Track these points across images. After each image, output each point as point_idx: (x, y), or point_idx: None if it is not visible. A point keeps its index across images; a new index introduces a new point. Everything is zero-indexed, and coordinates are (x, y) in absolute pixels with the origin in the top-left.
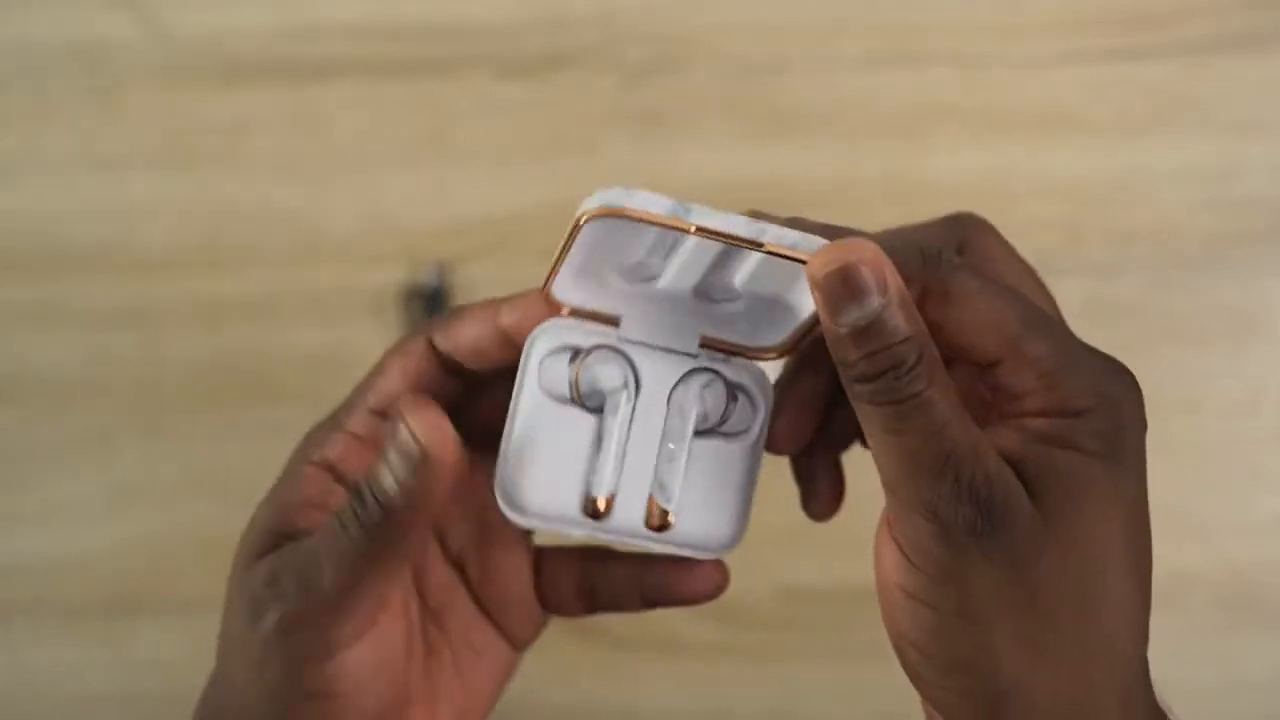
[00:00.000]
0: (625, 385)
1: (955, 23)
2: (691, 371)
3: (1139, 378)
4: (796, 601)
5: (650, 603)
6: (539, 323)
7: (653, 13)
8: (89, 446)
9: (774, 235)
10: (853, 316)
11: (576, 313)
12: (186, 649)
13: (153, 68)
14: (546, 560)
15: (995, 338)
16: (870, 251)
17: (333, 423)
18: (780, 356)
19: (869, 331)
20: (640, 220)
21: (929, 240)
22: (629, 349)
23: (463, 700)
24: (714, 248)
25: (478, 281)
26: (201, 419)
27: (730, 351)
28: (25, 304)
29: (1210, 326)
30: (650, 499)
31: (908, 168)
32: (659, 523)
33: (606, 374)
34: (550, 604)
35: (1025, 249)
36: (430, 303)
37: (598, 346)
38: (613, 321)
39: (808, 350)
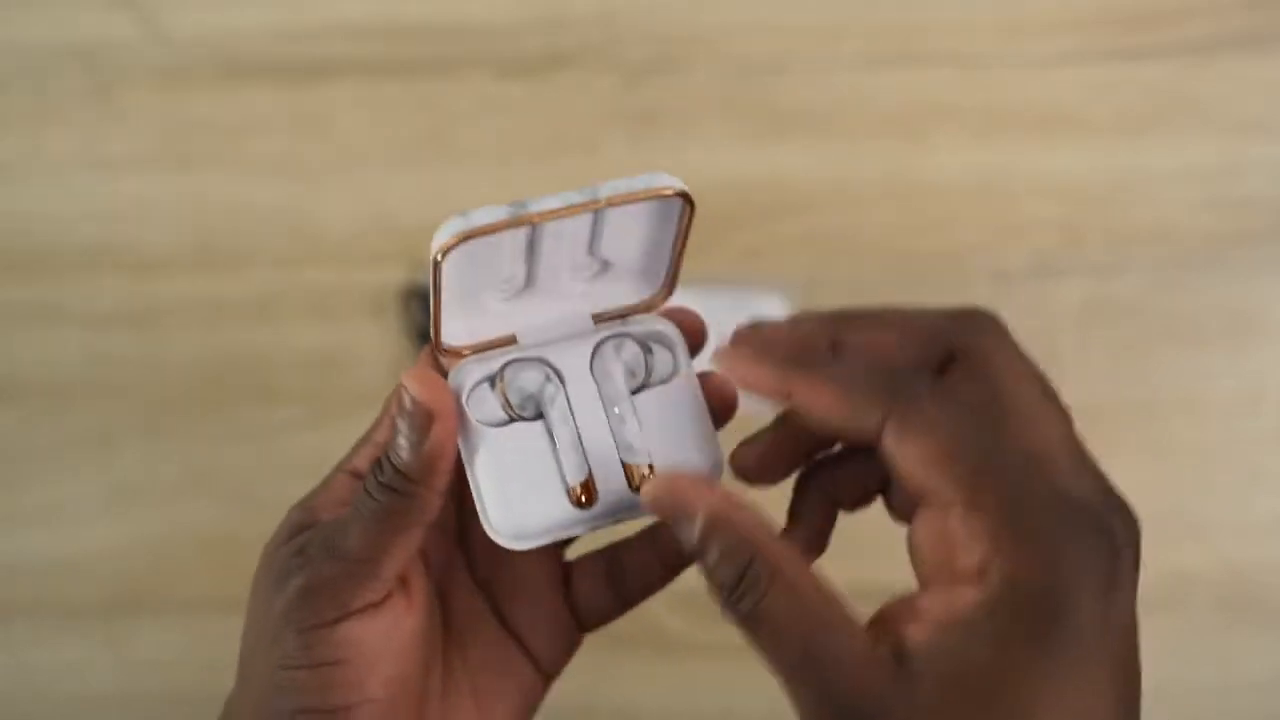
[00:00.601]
0: (549, 379)
1: (955, 23)
2: (600, 344)
3: (1138, 378)
4: None
5: (672, 566)
6: (442, 381)
7: (653, 13)
8: (89, 446)
9: (608, 190)
10: (685, 540)
11: (474, 348)
12: (186, 649)
13: (153, 68)
14: (574, 568)
15: (948, 479)
16: (669, 483)
17: (363, 438)
18: (669, 295)
19: (695, 555)
20: (487, 232)
21: (928, 334)
22: (536, 353)
23: None
24: (568, 231)
25: None
26: (201, 419)
27: (623, 315)
28: (25, 304)
29: (1210, 326)
30: (625, 466)
31: (908, 168)
32: (641, 481)
33: (527, 379)
34: (584, 611)
35: (1025, 249)
36: (430, 303)
37: (509, 363)
38: (509, 341)
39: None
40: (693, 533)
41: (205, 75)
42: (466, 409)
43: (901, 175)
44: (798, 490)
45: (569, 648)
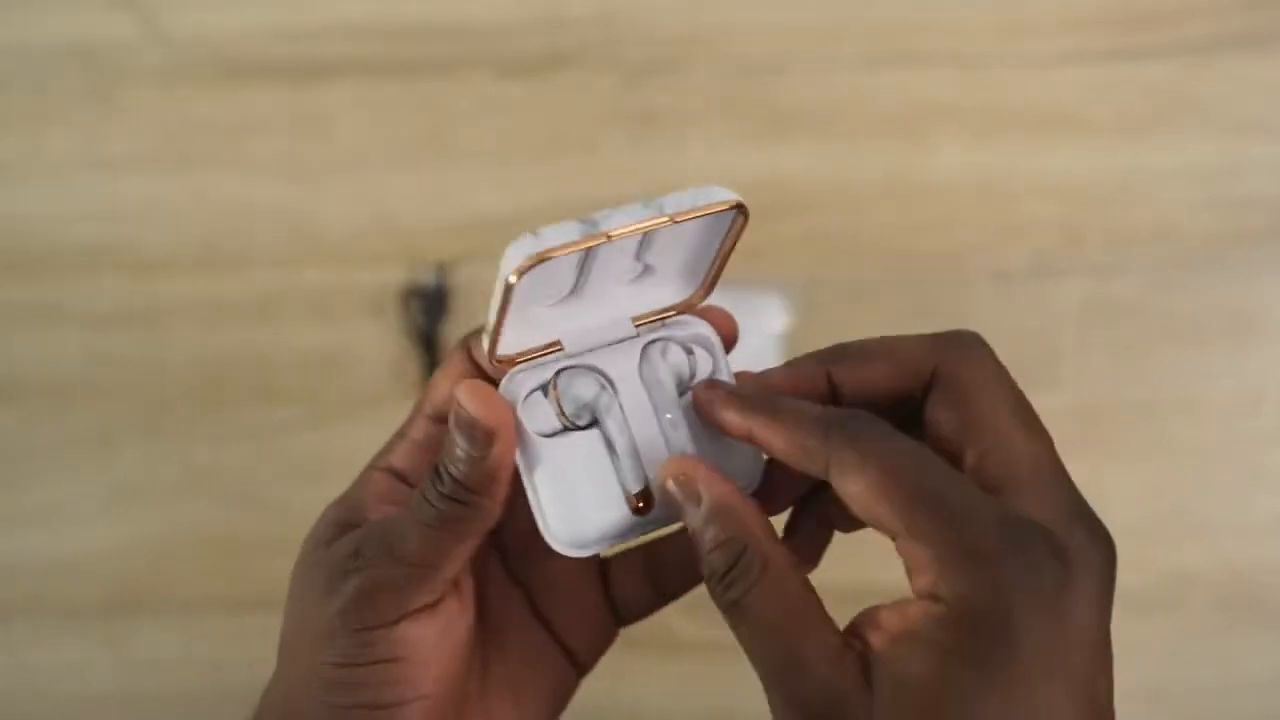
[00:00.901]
0: (603, 388)
1: (955, 23)
2: (644, 348)
3: (1138, 378)
4: None
5: None
6: (497, 396)
7: (653, 13)
8: (89, 446)
9: (673, 205)
10: (690, 524)
11: (523, 357)
12: (186, 649)
13: (153, 68)
14: (612, 564)
15: (889, 509)
16: (686, 468)
17: (397, 434)
18: (706, 297)
19: (694, 540)
20: (563, 252)
21: (911, 363)
22: (587, 360)
23: (516, 717)
24: (625, 243)
25: (477, 281)
26: (201, 419)
27: (662, 317)
28: (25, 304)
29: (1210, 326)
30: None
31: (908, 168)
32: None
33: (582, 387)
34: (623, 606)
35: (1025, 249)
36: (430, 303)
37: (560, 371)
38: (556, 347)
39: None
40: (696, 516)
41: (205, 75)
42: (522, 419)
43: (901, 175)
44: (796, 510)
45: (604, 642)
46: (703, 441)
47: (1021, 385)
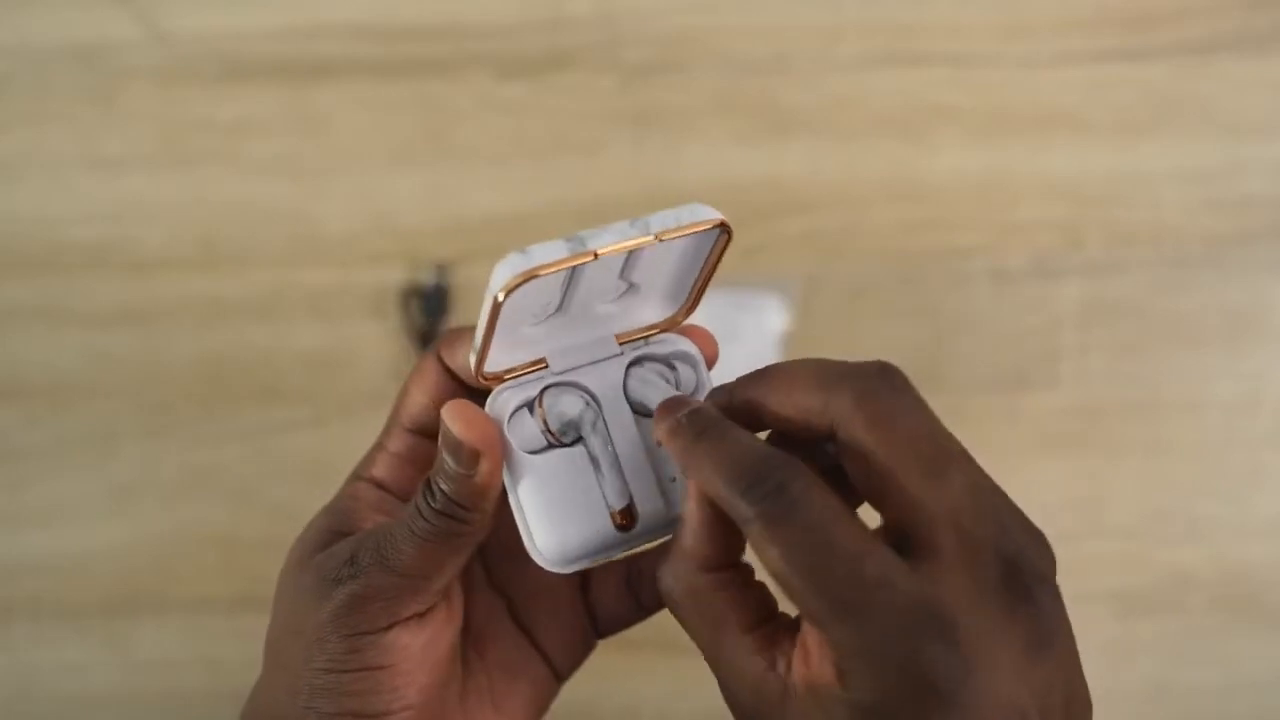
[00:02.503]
0: (588, 404)
1: (955, 23)
2: (629, 366)
3: (1138, 378)
4: None
5: None
6: (484, 416)
7: (652, 13)
8: (89, 446)
9: (658, 223)
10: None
11: (509, 374)
12: (187, 649)
13: (152, 67)
14: (594, 576)
15: (786, 595)
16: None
17: (376, 445)
18: (689, 315)
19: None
20: (550, 270)
21: (818, 408)
22: (571, 377)
23: None
24: (611, 261)
25: (477, 281)
26: (201, 419)
27: (645, 335)
28: (25, 304)
29: (1210, 326)
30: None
31: (908, 168)
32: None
33: (566, 404)
34: (602, 618)
35: (1025, 249)
36: (430, 303)
37: (546, 388)
38: (541, 364)
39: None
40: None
41: (205, 75)
42: (508, 436)
43: (901, 175)
44: None
45: (584, 651)
46: None
47: (1021, 385)
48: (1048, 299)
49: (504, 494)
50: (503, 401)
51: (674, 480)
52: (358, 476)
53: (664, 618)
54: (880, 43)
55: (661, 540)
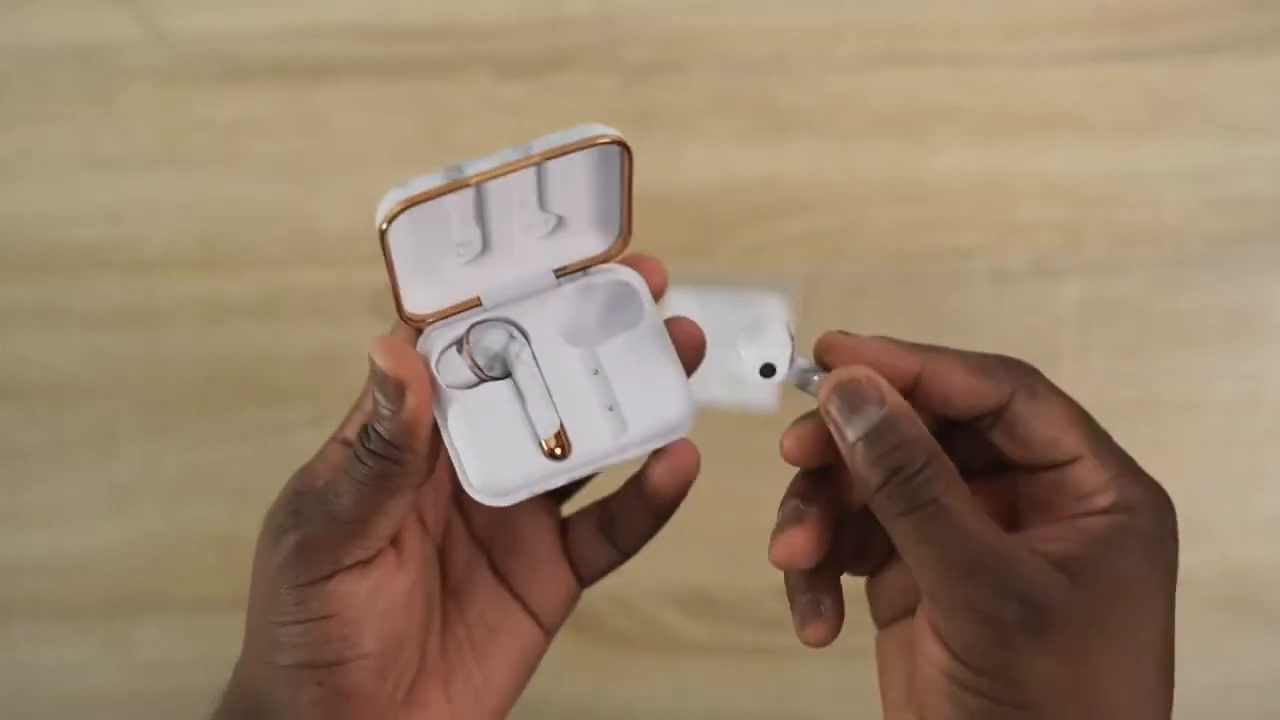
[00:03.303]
0: (512, 337)
1: (955, 23)
2: (563, 295)
3: (1138, 378)
4: None
5: (656, 511)
6: (410, 350)
7: (652, 13)
8: (89, 446)
9: (541, 145)
10: (859, 428)
11: (439, 315)
12: (187, 649)
13: (152, 68)
14: (571, 523)
15: (1076, 436)
16: (864, 371)
17: (354, 406)
18: (627, 243)
19: (873, 438)
20: (426, 199)
21: (990, 376)
22: (500, 313)
23: (481, 680)
24: (513, 190)
25: None
26: (201, 419)
27: (585, 268)
28: (25, 304)
29: (1210, 326)
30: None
31: (908, 168)
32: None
33: (491, 339)
34: (582, 565)
35: (1025, 249)
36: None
37: (473, 325)
38: (475, 304)
39: (820, 474)
40: (874, 418)
41: (205, 75)
42: (437, 374)
43: (901, 175)
44: (816, 576)
45: (568, 602)
46: (625, 381)
47: None
48: (1048, 299)
49: (439, 434)
50: (432, 340)
51: (612, 409)
52: (333, 438)
53: (666, 617)
54: (880, 43)
55: (603, 468)
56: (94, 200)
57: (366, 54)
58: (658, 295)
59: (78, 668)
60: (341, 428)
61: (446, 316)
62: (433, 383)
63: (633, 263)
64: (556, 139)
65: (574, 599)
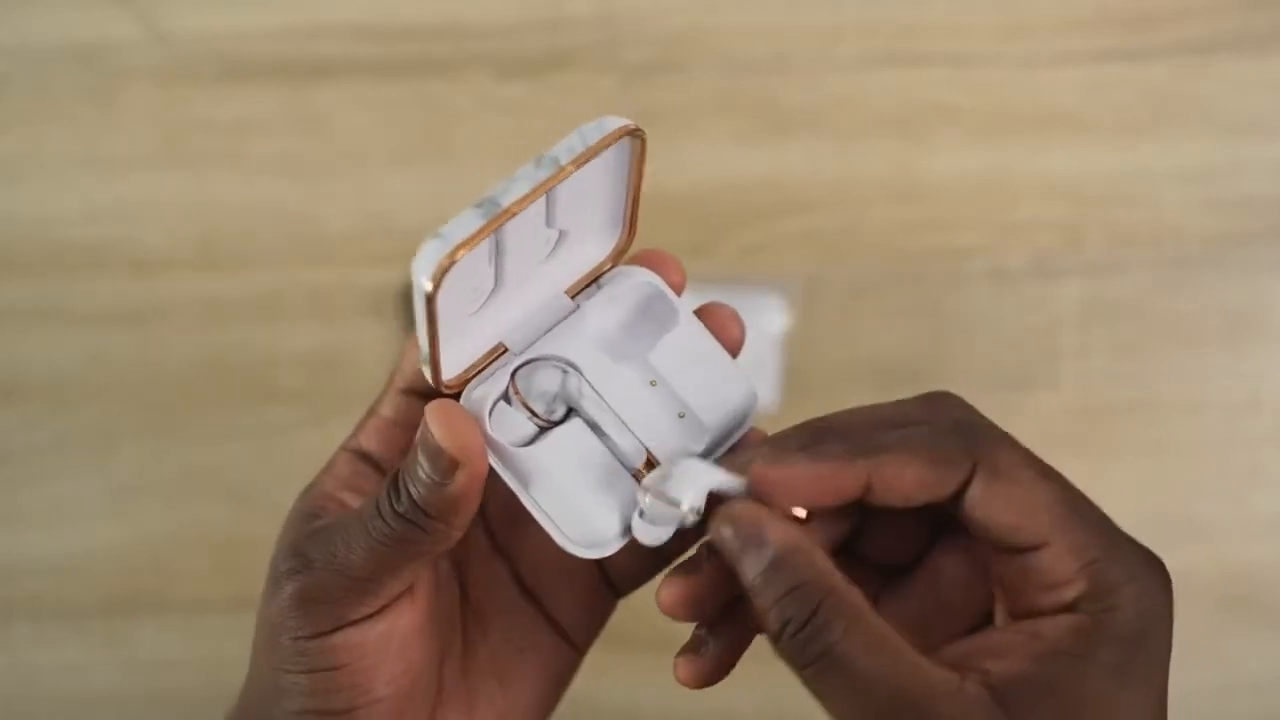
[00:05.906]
0: (565, 373)
1: (955, 23)
2: (591, 315)
3: (1138, 378)
4: None
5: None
6: (469, 420)
7: (652, 13)
8: (89, 446)
9: (565, 153)
10: (745, 580)
11: (470, 372)
12: (187, 649)
13: (152, 67)
14: None
15: (1045, 518)
16: (746, 511)
17: (369, 411)
18: (632, 238)
19: (760, 588)
20: (473, 244)
21: (943, 460)
22: (536, 352)
23: (504, 704)
24: (531, 213)
25: None
26: (201, 419)
27: (595, 278)
28: (25, 304)
29: (1210, 326)
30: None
31: (908, 168)
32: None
33: (543, 381)
34: (617, 573)
35: (1025, 249)
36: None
37: (515, 372)
38: (500, 350)
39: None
40: (758, 563)
41: (205, 75)
42: (496, 437)
43: (901, 175)
44: (713, 619)
45: (600, 617)
46: (684, 385)
47: (1021, 385)
48: (1048, 299)
49: (485, 506)
50: (476, 401)
51: (682, 416)
52: (343, 446)
53: (664, 618)
54: (880, 43)
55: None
56: (94, 200)
57: (366, 54)
58: (677, 287)
59: (78, 668)
60: (352, 436)
61: (477, 372)
62: (494, 450)
63: (642, 262)
64: (577, 142)
65: (608, 613)
